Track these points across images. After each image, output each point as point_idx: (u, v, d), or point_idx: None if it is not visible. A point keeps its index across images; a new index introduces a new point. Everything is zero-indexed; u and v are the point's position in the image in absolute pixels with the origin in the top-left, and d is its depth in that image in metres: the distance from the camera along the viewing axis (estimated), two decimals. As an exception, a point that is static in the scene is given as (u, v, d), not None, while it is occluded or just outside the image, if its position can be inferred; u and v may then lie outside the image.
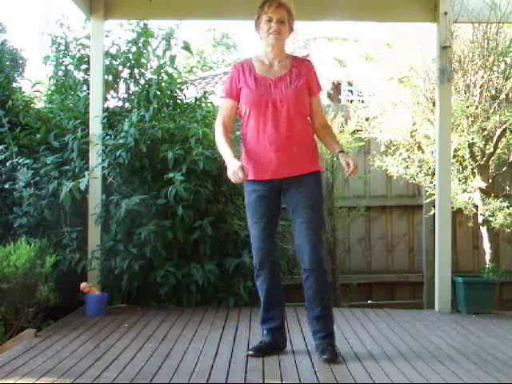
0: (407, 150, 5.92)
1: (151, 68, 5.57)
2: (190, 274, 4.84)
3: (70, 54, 5.58)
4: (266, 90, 3.41)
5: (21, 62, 6.50)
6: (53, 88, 5.73)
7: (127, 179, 4.99)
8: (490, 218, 5.49)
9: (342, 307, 5.42)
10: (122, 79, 5.53)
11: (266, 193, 3.44)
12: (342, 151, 3.48)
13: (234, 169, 3.25)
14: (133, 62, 5.50)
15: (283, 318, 3.61)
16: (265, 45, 3.48)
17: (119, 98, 5.58)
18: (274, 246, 3.57)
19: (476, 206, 5.64)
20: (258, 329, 3.99)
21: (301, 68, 3.49)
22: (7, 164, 5.05)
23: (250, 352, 3.48)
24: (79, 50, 5.54)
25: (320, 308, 3.44)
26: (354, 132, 6.04)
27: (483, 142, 5.42)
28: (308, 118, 3.54)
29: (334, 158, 5.91)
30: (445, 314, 4.93)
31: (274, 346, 3.54)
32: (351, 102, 7.12)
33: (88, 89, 5.38)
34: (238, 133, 5.75)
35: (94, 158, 5.01)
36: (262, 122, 3.39)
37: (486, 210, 5.49)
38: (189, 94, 5.63)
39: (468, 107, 5.33)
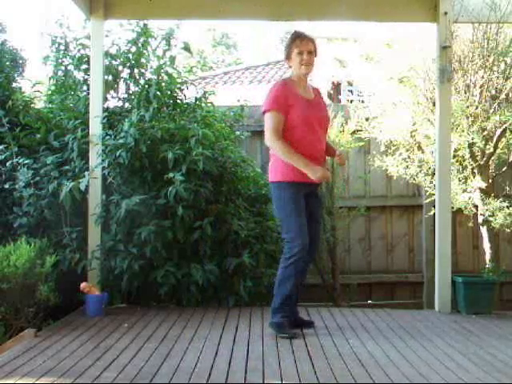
0: (407, 150, 5.92)
1: (151, 68, 5.57)
2: (190, 274, 4.84)
3: (69, 54, 5.58)
4: (310, 110, 4.02)
5: (21, 61, 6.52)
6: (53, 88, 5.73)
7: (127, 179, 4.98)
8: (490, 218, 5.49)
9: (341, 307, 5.42)
10: (122, 79, 5.53)
11: (306, 193, 4.03)
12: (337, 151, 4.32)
13: (320, 171, 3.91)
14: (133, 62, 5.50)
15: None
16: (297, 73, 4.08)
17: (119, 98, 5.58)
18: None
19: (476, 206, 5.63)
20: (258, 328, 4.01)
21: (321, 97, 4.26)
22: (7, 164, 5.06)
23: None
24: (79, 50, 5.55)
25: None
26: (354, 132, 6.04)
27: (483, 142, 5.41)
28: None
29: (335, 158, 5.91)
30: (445, 314, 4.93)
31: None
32: (351, 102, 7.11)
33: (88, 89, 5.39)
34: (237, 133, 5.80)
35: (94, 158, 5.01)
36: (305, 137, 3.96)
37: (486, 210, 5.48)
38: (189, 94, 5.63)
39: (468, 107, 5.33)
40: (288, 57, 4.09)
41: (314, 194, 4.13)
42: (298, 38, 4.04)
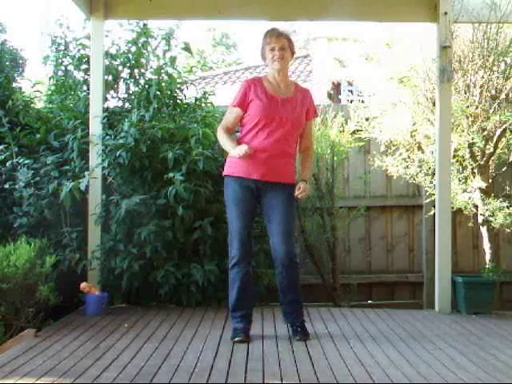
0: (407, 150, 5.91)
1: (151, 68, 5.57)
2: (190, 273, 4.84)
3: (69, 54, 5.58)
4: (275, 106, 3.90)
5: (21, 62, 6.52)
6: (53, 88, 5.73)
7: (127, 179, 4.99)
8: (490, 218, 5.49)
9: (341, 307, 5.42)
10: (122, 79, 5.53)
11: (249, 190, 3.90)
12: (303, 180, 3.96)
13: (239, 148, 3.77)
14: (133, 62, 5.50)
15: (252, 306, 4.06)
16: (271, 70, 3.99)
17: (119, 98, 5.58)
18: (252, 240, 4.09)
19: (476, 206, 5.63)
20: (258, 328, 4.00)
21: (304, 96, 4.03)
22: (7, 164, 5.05)
23: (237, 339, 3.80)
24: (79, 50, 5.55)
25: (293, 294, 3.93)
26: (354, 132, 6.04)
27: (483, 142, 5.41)
28: (297, 138, 4.03)
29: (335, 158, 5.92)
30: (445, 314, 4.93)
31: (248, 329, 3.93)
32: (351, 102, 7.10)
33: (88, 89, 5.39)
34: (238, 134, 5.80)
35: (94, 158, 5.01)
36: (265, 132, 3.87)
37: (486, 209, 5.48)
38: (189, 94, 5.63)
39: (468, 107, 5.33)
40: (263, 56, 4.02)
41: (275, 193, 3.89)
42: (268, 34, 3.96)
